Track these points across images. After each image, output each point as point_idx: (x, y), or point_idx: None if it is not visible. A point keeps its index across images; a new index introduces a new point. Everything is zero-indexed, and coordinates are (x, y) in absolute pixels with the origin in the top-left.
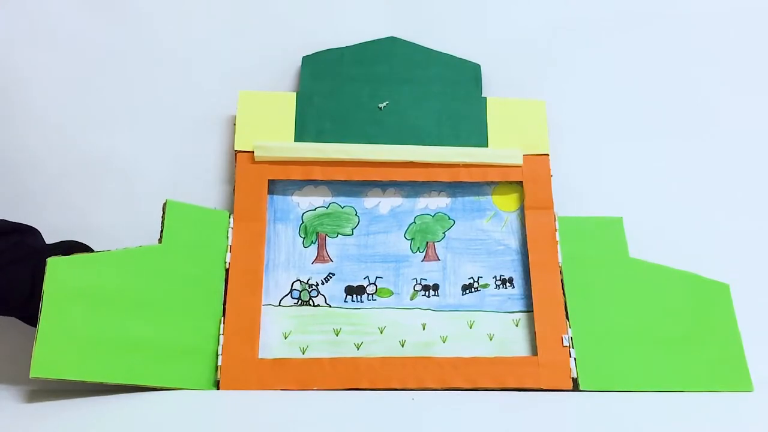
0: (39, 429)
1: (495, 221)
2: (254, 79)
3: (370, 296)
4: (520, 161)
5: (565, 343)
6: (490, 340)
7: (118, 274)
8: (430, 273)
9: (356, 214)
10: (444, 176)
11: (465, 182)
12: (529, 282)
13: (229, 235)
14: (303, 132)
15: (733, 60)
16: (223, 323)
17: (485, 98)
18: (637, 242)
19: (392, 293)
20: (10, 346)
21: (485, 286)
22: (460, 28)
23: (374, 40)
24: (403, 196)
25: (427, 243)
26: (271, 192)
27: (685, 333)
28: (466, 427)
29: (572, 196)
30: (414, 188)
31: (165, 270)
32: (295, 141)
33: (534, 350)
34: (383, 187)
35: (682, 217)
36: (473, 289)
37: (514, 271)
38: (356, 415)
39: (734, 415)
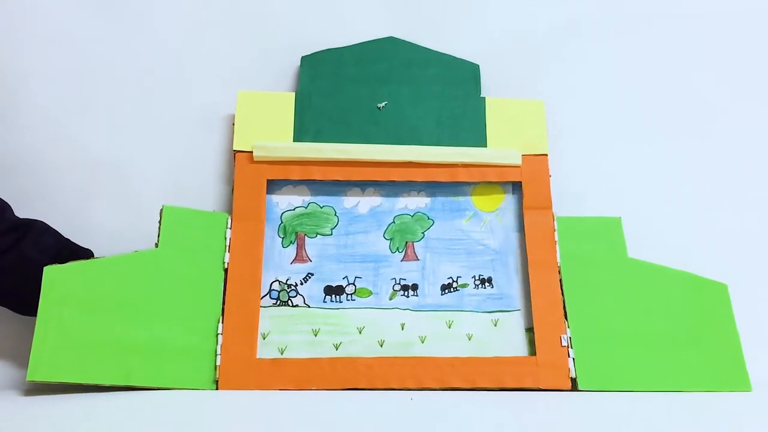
0: (37, 428)
1: (474, 221)
2: (253, 79)
3: (349, 296)
4: (518, 161)
5: (564, 343)
6: (469, 339)
7: (115, 279)
8: (409, 273)
9: (335, 214)
10: (443, 176)
11: (444, 182)
12: (508, 282)
13: (228, 235)
14: (302, 132)
15: (733, 60)
16: (222, 323)
17: (484, 98)
18: (636, 242)
19: (371, 293)
20: (9, 344)
21: (464, 285)
22: (459, 28)
23: (373, 40)
24: (382, 196)
25: (406, 243)
26: None
27: (684, 333)
28: (464, 427)
29: (571, 196)
30: (393, 188)
31: (162, 274)
32: (294, 141)
33: (513, 350)
34: (363, 186)
35: (681, 217)
36: (452, 289)
37: (493, 271)
38: (355, 415)
39: (732, 415)
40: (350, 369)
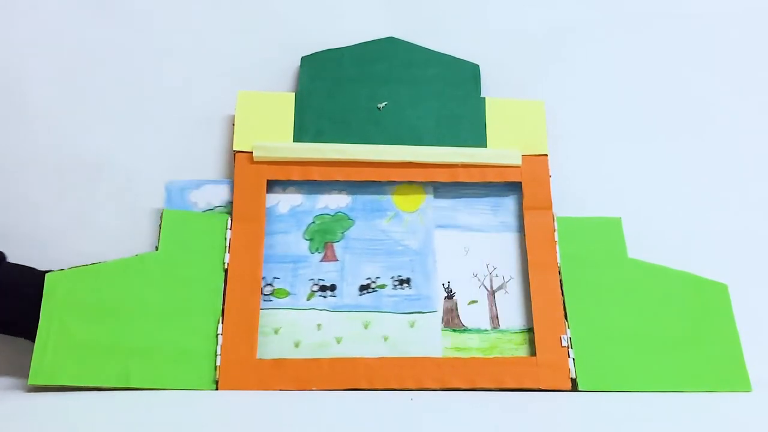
0: (36, 428)
1: (395, 222)
2: (253, 79)
3: (266, 297)
4: (518, 161)
5: (564, 344)
6: (385, 341)
7: (116, 283)
8: (328, 273)
9: None
10: (442, 176)
11: (365, 181)
12: (426, 282)
13: (228, 235)
14: (302, 132)
15: (733, 61)
16: (222, 323)
17: (484, 98)
18: (636, 242)
19: (288, 294)
20: (11, 348)
21: (382, 286)
22: (459, 29)
23: (373, 41)
24: (303, 195)
25: (325, 243)
26: (169, 191)
27: (684, 333)
28: (464, 428)
29: (571, 197)
30: (314, 187)
31: (163, 276)
32: (293, 141)
33: (429, 351)
34: (284, 185)
35: (681, 217)
36: (370, 290)
37: (412, 272)
38: (355, 415)
39: (732, 415)
40: (350, 369)
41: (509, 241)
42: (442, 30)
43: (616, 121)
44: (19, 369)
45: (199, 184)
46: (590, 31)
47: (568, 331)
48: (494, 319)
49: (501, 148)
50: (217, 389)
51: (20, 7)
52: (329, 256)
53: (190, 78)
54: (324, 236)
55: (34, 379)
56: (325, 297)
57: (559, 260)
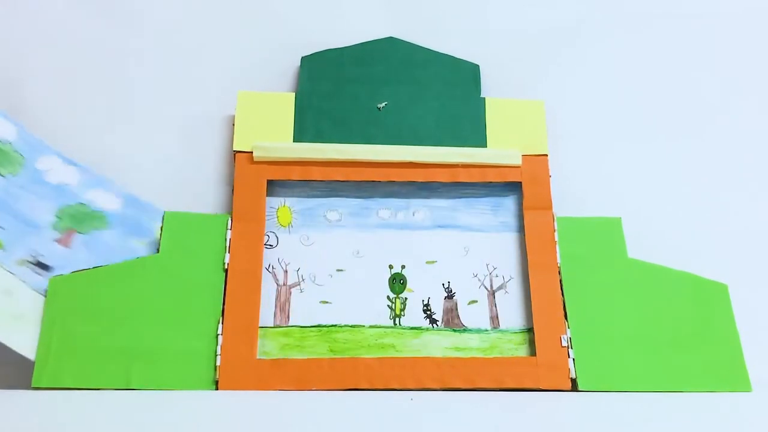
0: (36, 427)
1: None
2: (253, 79)
3: None
4: (518, 162)
5: (564, 344)
6: None
7: (118, 286)
8: (53, 255)
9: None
10: (443, 176)
11: None
12: None
13: (228, 236)
14: (302, 132)
15: (733, 60)
16: (222, 323)
17: (484, 98)
18: (636, 242)
19: (2, 246)
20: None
21: None
22: (459, 29)
23: (373, 41)
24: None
25: (68, 229)
26: None
27: (684, 333)
28: (464, 428)
29: (571, 197)
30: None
31: (164, 279)
32: (294, 141)
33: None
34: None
35: (681, 217)
36: None
37: None
38: (355, 415)
39: (732, 415)
40: (350, 369)
41: (509, 241)
42: (442, 30)
43: (616, 121)
44: (23, 371)
45: None
46: (590, 31)
47: (568, 331)
48: (494, 319)
49: (501, 148)
50: (217, 389)
51: (20, 7)
52: (65, 242)
53: (190, 78)
54: (71, 222)
55: (37, 382)
56: (40, 274)
57: (559, 260)
